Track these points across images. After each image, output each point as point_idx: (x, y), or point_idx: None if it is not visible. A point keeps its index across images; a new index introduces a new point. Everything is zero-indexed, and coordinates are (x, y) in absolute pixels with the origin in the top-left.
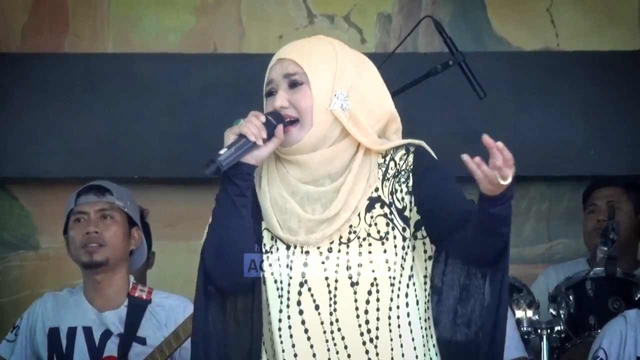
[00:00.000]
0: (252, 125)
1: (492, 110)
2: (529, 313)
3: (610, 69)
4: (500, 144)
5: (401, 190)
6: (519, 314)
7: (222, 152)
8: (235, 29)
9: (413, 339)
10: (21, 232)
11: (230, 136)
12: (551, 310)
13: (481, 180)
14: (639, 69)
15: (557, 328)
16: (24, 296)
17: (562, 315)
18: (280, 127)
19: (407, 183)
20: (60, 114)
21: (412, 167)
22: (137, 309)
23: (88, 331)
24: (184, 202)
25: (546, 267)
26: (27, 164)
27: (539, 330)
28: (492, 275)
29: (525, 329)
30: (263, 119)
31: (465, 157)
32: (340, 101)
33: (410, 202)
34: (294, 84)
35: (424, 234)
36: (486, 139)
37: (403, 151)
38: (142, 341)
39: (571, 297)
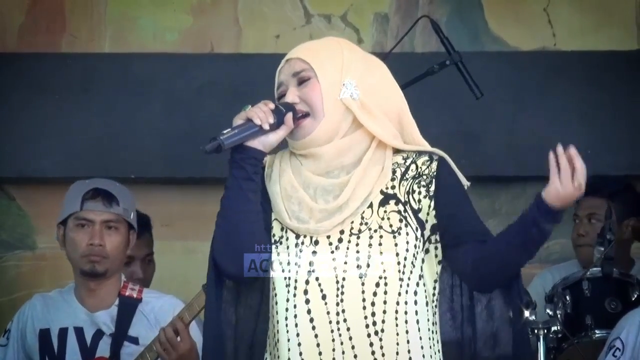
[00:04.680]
0: (259, 110)
1: (489, 110)
2: (526, 313)
3: (607, 69)
4: (571, 151)
5: (419, 192)
6: None
7: (225, 131)
8: (232, 29)
9: (421, 338)
10: (18, 232)
11: (237, 121)
12: (548, 311)
13: (561, 180)
14: (636, 69)
15: (553, 328)
16: (21, 296)
17: (559, 316)
18: (289, 115)
19: (429, 187)
20: (57, 113)
21: (435, 173)
22: (127, 308)
23: (79, 331)
24: (181, 202)
25: (543, 267)
26: (25, 164)
27: (536, 331)
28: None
29: None
30: (272, 106)
31: (559, 150)
32: (349, 90)
33: (429, 206)
34: (302, 80)
35: (437, 238)
36: (559, 151)
37: (426, 157)
38: (135, 340)
39: (568, 297)
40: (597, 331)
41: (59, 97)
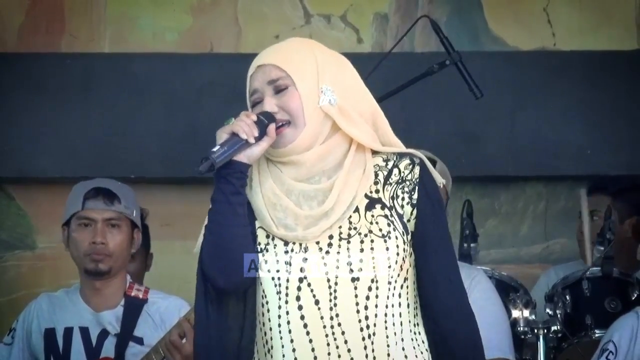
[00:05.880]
0: (244, 124)
1: (489, 110)
2: (526, 313)
3: (606, 68)
4: None
5: (402, 198)
6: (516, 313)
7: (215, 149)
8: (232, 29)
9: (402, 340)
10: (18, 232)
11: (222, 135)
12: (548, 310)
13: None
14: (635, 69)
15: (553, 328)
16: (20, 296)
17: (558, 315)
18: (272, 126)
19: (412, 195)
20: (57, 113)
21: (417, 180)
22: (133, 309)
23: (85, 331)
24: (181, 202)
25: (543, 267)
26: (24, 164)
27: (536, 330)
28: None
29: (521, 328)
30: (254, 117)
31: None
32: (327, 97)
33: (411, 214)
34: (279, 89)
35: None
36: None
37: (408, 161)
38: (140, 341)
39: (568, 297)
40: (596, 331)
41: (58, 97)
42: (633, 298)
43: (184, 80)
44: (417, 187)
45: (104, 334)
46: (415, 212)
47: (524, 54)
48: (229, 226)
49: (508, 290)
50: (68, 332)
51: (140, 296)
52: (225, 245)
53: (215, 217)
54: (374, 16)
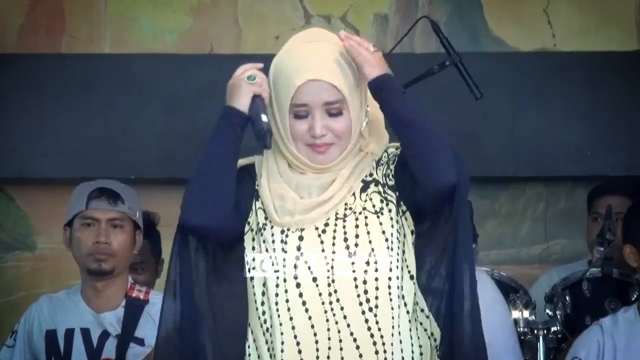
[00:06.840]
0: (265, 91)
1: (489, 110)
2: (526, 313)
3: (606, 69)
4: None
5: (391, 171)
6: (516, 314)
7: (265, 120)
8: (232, 30)
9: (408, 312)
10: (18, 233)
11: (246, 95)
12: (547, 311)
13: (359, 56)
14: (635, 70)
15: (553, 328)
16: (20, 297)
17: (558, 316)
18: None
19: (395, 162)
20: (57, 114)
21: (398, 154)
22: (134, 310)
23: (86, 332)
24: (180, 202)
25: (543, 267)
26: (24, 165)
27: (536, 331)
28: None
29: (521, 329)
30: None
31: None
32: (366, 119)
33: (392, 172)
34: (332, 113)
35: (404, 209)
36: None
37: (394, 149)
38: (141, 342)
39: (567, 298)
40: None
41: (58, 98)
42: (633, 299)
43: (184, 81)
44: (396, 158)
45: (105, 335)
46: (393, 167)
47: (524, 54)
48: (228, 159)
49: (508, 291)
50: (69, 333)
51: (142, 297)
52: (219, 178)
53: (216, 151)
54: (374, 17)
